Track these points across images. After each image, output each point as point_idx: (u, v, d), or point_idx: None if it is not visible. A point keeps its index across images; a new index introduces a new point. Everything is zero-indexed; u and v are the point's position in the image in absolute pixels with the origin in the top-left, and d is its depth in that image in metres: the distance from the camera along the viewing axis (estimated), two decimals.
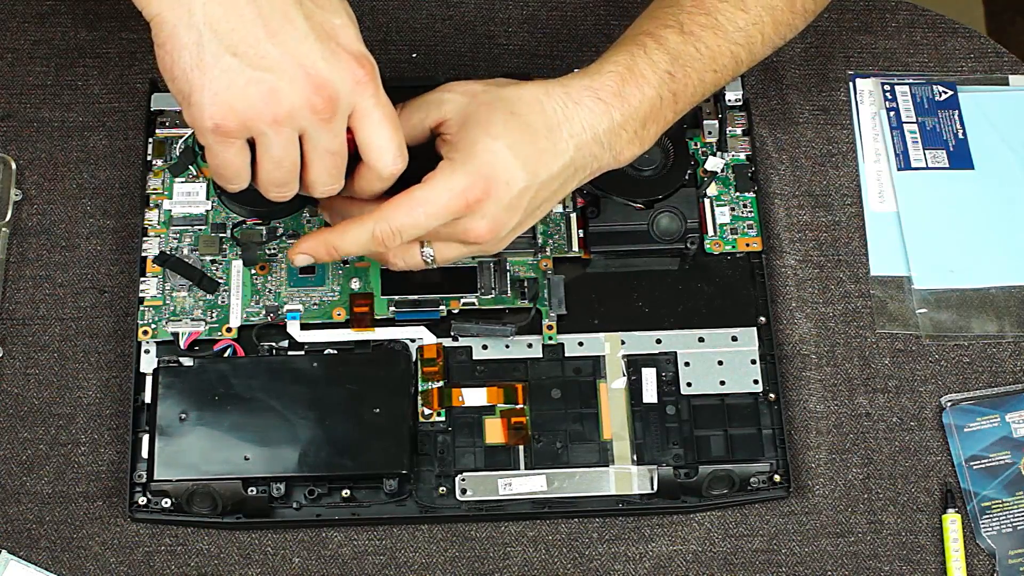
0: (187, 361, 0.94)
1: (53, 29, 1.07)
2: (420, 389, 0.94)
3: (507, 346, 0.96)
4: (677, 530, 0.94)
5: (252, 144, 0.82)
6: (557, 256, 0.99)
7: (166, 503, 0.91)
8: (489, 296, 0.97)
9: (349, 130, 0.83)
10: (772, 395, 0.95)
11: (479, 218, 0.86)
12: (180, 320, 0.96)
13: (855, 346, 0.99)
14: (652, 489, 0.93)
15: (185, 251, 0.98)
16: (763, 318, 0.97)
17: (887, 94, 1.06)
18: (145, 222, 0.98)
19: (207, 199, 0.99)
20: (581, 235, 0.99)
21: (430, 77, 1.03)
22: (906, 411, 0.98)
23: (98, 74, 1.06)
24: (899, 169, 1.04)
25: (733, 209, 1.01)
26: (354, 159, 0.85)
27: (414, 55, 1.08)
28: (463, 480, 0.93)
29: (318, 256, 0.89)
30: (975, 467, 0.96)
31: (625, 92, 0.88)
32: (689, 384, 0.95)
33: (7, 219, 1.01)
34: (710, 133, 1.02)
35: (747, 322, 0.97)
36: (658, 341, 0.97)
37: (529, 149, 0.86)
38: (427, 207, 0.85)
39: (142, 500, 0.92)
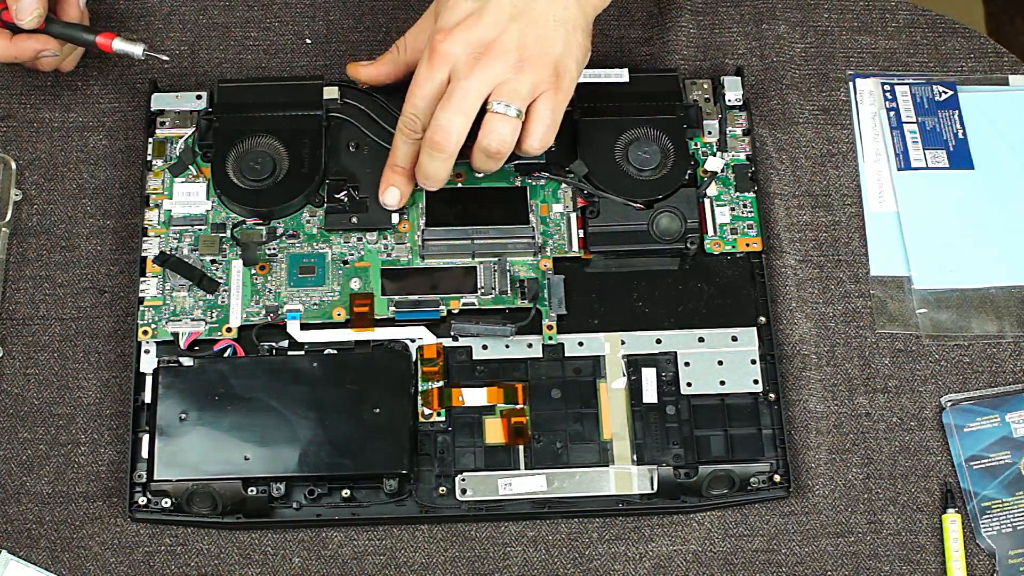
0: (187, 361, 0.94)
1: None
2: (420, 389, 0.94)
3: (507, 346, 0.96)
4: (677, 530, 0.94)
5: None
6: (557, 256, 0.99)
7: (166, 503, 0.91)
8: (489, 296, 0.97)
9: None
10: (772, 395, 0.95)
11: (463, 43, 0.89)
12: (180, 320, 0.96)
13: (855, 346, 0.99)
14: (652, 489, 0.93)
15: (185, 251, 0.98)
16: (763, 318, 0.97)
17: (887, 94, 1.06)
18: (145, 222, 0.98)
19: (207, 199, 0.99)
20: (581, 235, 0.99)
21: None
22: (906, 411, 0.98)
23: (98, 74, 1.06)
24: (899, 169, 1.04)
25: (733, 209, 1.01)
26: None
27: None
28: (463, 480, 0.93)
29: (394, 183, 0.96)
30: (975, 467, 0.95)
31: None
32: (689, 384, 0.95)
33: (7, 219, 1.01)
34: (710, 133, 1.02)
35: (747, 322, 0.97)
36: (658, 341, 0.97)
37: None
38: (414, 81, 0.92)
39: (142, 500, 0.92)
